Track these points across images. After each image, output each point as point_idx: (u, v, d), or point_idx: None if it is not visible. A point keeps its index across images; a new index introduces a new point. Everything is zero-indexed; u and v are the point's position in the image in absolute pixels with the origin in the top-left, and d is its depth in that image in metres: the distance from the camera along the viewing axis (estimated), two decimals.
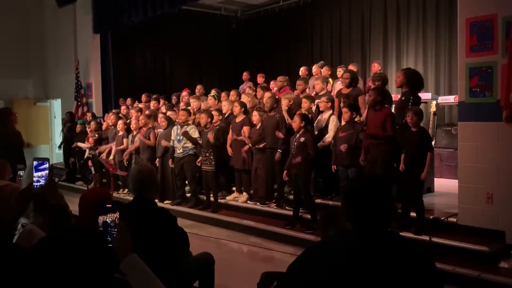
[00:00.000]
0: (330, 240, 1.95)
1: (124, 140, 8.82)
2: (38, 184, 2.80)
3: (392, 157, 5.55)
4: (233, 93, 8.57)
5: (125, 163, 8.74)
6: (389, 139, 5.52)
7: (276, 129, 6.77)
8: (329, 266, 1.78)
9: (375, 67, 8.39)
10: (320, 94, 7.17)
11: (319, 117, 6.76)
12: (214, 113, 7.64)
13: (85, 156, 9.83)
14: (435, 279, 1.82)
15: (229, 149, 7.45)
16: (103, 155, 9.17)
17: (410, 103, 5.64)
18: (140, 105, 9.80)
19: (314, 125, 6.68)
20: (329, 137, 6.45)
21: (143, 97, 10.45)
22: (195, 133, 7.56)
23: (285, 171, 6.33)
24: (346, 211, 1.93)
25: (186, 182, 8.00)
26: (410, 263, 1.77)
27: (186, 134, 7.48)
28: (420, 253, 1.84)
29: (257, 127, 7.06)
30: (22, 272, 1.52)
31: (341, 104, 6.54)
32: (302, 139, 6.06)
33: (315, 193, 6.69)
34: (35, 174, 2.84)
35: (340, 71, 8.17)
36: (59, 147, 11.50)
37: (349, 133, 5.97)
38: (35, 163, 2.87)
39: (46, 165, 2.87)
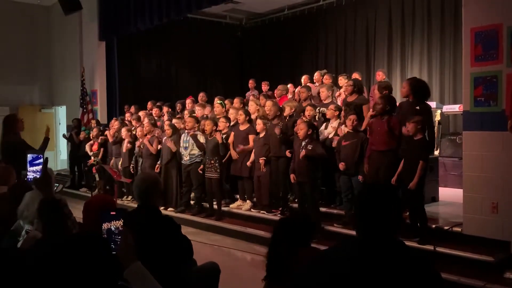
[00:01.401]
0: (334, 248, 1.95)
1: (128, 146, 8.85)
2: (31, 178, 2.77)
3: (395, 166, 5.51)
4: (236, 100, 8.54)
5: (119, 167, 8.76)
6: (393, 149, 5.50)
7: (279, 137, 6.76)
8: (331, 274, 1.79)
9: (380, 76, 8.39)
10: (325, 102, 7.16)
11: (326, 129, 6.70)
12: (222, 120, 7.63)
13: (90, 163, 9.86)
14: (437, 287, 1.81)
15: (233, 153, 7.33)
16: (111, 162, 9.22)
17: (413, 112, 5.57)
18: (141, 113, 9.80)
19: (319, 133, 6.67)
20: (328, 133, 6.48)
21: (149, 104, 10.46)
22: (201, 140, 7.58)
23: (291, 175, 6.19)
24: (354, 219, 1.94)
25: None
26: (412, 271, 1.77)
27: (194, 137, 7.51)
28: (422, 261, 1.84)
29: (261, 135, 7.06)
30: (26, 278, 1.52)
31: (343, 113, 6.53)
32: (310, 146, 5.94)
33: (320, 201, 6.66)
34: (30, 168, 2.82)
35: (341, 79, 8.16)
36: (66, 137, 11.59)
37: (353, 141, 5.94)
38: (29, 157, 2.85)
39: (41, 160, 2.85)
